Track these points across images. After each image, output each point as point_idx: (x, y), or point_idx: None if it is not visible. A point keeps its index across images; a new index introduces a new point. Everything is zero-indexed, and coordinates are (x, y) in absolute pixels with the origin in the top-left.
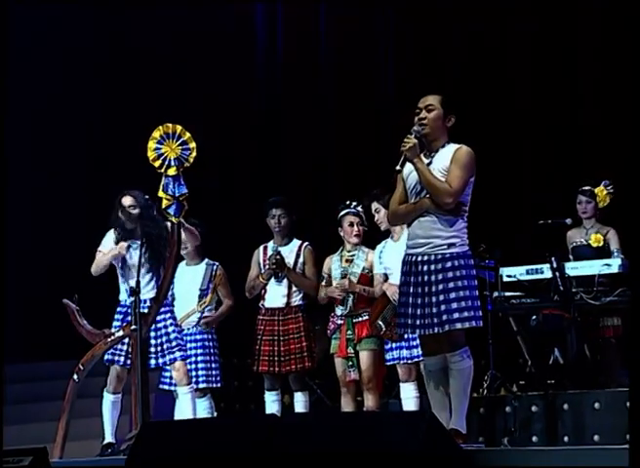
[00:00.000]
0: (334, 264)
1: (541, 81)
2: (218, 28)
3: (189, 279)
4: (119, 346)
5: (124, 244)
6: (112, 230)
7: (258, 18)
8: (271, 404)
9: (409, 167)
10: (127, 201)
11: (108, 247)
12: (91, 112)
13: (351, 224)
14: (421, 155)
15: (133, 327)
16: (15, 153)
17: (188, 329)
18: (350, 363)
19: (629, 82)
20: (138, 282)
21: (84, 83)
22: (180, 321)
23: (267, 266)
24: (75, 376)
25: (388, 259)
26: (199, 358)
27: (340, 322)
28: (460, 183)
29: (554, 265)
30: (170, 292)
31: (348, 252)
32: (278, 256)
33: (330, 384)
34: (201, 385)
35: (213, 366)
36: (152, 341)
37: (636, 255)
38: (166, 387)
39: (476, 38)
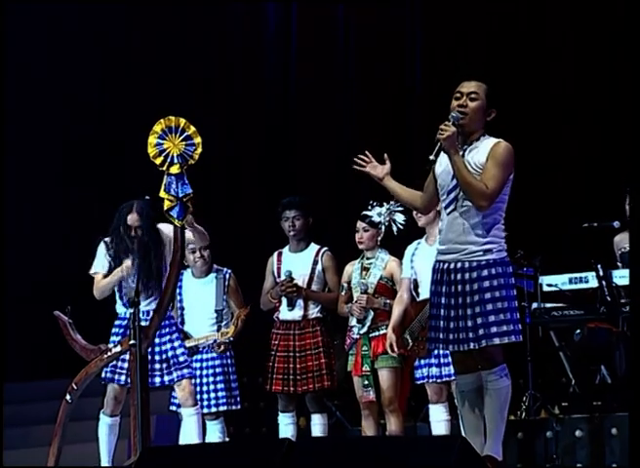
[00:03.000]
0: (354, 272)
1: (584, 67)
2: (229, 26)
3: (199, 294)
4: (119, 363)
5: (128, 263)
6: (103, 244)
7: (270, 15)
8: (285, 427)
9: (440, 163)
10: (133, 220)
11: (104, 265)
12: (92, 112)
13: (357, 230)
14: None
15: (132, 341)
16: (10, 159)
17: (203, 347)
18: (366, 382)
19: None
20: (137, 292)
21: (86, 83)
22: (195, 341)
23: (280, 291)
24: (68, 397)
25: (420, 265)
26: (218, 378)
27: (356, 336)
28: (498, 184)
29: (600, 273)
30: (178, 305)
31: (367, 259)
32: (290, 283)
33: (350, 405)
34: (222, 408)
35: (232, 386)
36: (157, 357)
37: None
38: (175, 408)
39: (509, 24)
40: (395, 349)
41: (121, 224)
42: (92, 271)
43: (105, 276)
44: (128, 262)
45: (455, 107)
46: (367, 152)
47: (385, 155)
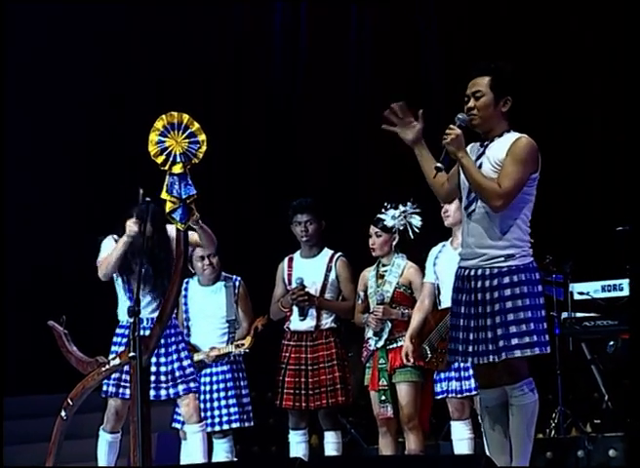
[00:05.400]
0: (370, 280)
1: (616, 57)
2: (232, 26)
3: (207, 303)
4: (123, 376)
5: (131, 222)
6: (111, 237)
7: (277, 16)
8: (297, 445)
9: None
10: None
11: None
12: (92, 111)
13: (370, 236)
14: (476, 145)
15: (131, 353)
16: (9, 160)
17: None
18: (383, 397)
19: None
20: (137, 300)
21: (86, 83)
22: (205, 355)
23: (291, 299)
24: (63, 413)
25: (442, 269)
26: (229, 393)
27: (372, 348)
28: (514, 183)
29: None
30: (184, 316)
31: (383, 266)
32: (301, 292)
33: (366, 422)
34: (234, 425)
35: (244, 401)
36: (163, 368)
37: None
38: (179, 426)
39: (527, 15)
40: (410, 359)
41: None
42: (98, 260)
43: None
44: (130, 222)
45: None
46: (395, 106)
47: (421, 112)
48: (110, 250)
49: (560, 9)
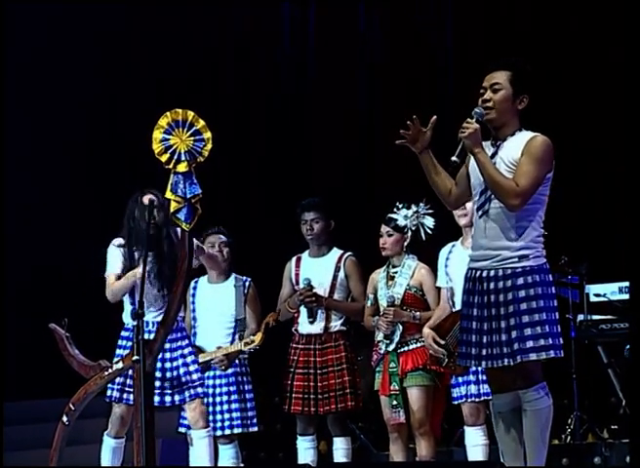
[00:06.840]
0: (380, 282)
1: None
2: (235, 26)
3: (215, 301)
4: (128, 381)
5: (140, 270)
6: (114, 246)
7: (284, 15)
8: (305, 451)
9: (473, 161)
10: (149, 199)
11: (118, 267)
12: (93, 111)
13: (381, 235)
14: (486, 143)
15: (135, 357)
16: (9, 160)
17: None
18: (395, 402)
19: None
20: (141, 302)
21: (86, 83)
22: (211, 355)
23: (298, 300)
24: (65, 418)
25: (454, 270)
26: (232, 397)
27: (383, 352)
28: (531, 182)
29: None
30: (191, 315)
31: (393, 267)
32: (309, 292)
33: (376, 428)
34: (237, 430)
35: (248, 406)
36: (168, 374)
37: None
38: (185, 430)
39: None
40: (439, 340)
41: (137, 207)
42: (105, 274)
43: (119, 277)
44: (139, 269)
45: (479, 104)
46: (414, 118)
47: (434, 118)
48: (116, 262)
49: (560, 8)
